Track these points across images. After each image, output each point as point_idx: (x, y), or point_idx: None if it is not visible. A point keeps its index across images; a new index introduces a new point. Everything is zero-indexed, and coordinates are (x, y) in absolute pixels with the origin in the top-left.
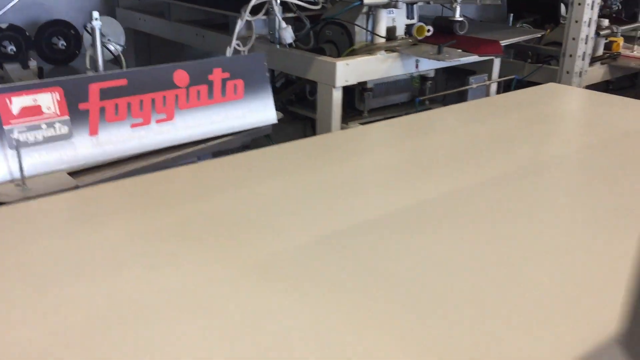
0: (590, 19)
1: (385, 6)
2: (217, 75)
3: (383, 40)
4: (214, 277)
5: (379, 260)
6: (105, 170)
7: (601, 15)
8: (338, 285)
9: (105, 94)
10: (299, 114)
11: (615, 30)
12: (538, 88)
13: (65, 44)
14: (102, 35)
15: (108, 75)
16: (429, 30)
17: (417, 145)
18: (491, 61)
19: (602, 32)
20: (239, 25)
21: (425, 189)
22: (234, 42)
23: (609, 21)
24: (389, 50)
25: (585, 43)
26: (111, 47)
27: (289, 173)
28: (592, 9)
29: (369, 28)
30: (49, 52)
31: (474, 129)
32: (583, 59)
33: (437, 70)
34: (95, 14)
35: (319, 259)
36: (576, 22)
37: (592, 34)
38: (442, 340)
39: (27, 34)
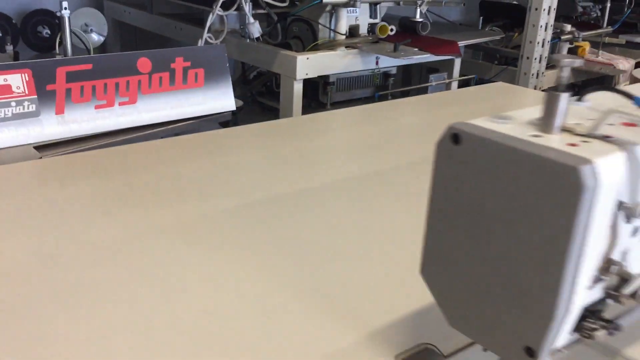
0: (546, 23)
1: (345, 5)
2: (179, 63)
3: (343, 37)
4: (141, 233)
5: (284, 225)
6: (69, 146)
7: (579, 22)
8: (244, 241)
9: (71, 77)
10: (267, 104)
11: (577, 35)
12: (486, 86)
13: (49, 32)
14: (85, 25)
15: (74, 60)
16: (392, 30)
17: (352, 132)
18: (452, 61)
19: (563, 37)
20: (210, 19)
21: (346, 169)
22: (205, 35)
23: (572, 26)
24: (350, 47)
25: (542, 46)
26: (94, 37)
27: (233, 151)
28: (548, 14)
29: (332, 26)
30: (34, 39)
31: (409, 120)
32: (540, 62)
33: (403, 68)
34: (65, 4)
35: (236, 222)
36: (533, 26)
37: (548, 37)
38: (328, 288)
39: (14, 21)
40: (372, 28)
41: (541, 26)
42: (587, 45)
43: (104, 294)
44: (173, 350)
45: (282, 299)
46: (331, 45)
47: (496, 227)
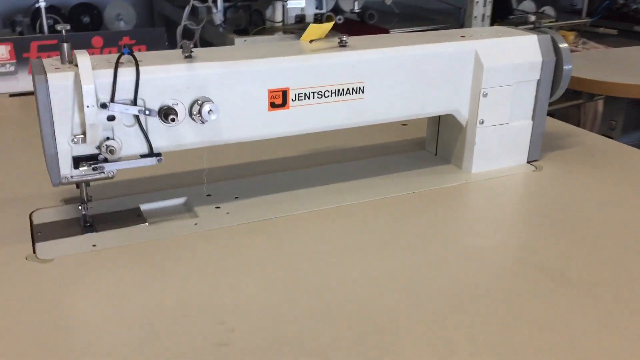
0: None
1: None
2: (125, 41)
3: (280, 24)
4: None
5: None
6: None
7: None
8: None
9: (41, 49)
10: None
11: (538, 25)
12: None
13: (89, 19)
14: (118, 14)
15: (44, 37)
16: (339, 19)
17: None
18: None
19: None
20: (187, 9)
21: None
22: (184, 21)
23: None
24: (287, 32)
25: (482, 20)
26: (122, 24)
27: None
28: None
29: (274, 16)
30: (79, 25)
31: None
32: None
33: None
34: (42, 2)
35: None
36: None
37: (488, 12)
38: None
39: (62, 12)
40: (320, 17)
41: (477, 2)
42: (569, 35)
43: None
44: None
45: None
46: (272, 30)
47: None
